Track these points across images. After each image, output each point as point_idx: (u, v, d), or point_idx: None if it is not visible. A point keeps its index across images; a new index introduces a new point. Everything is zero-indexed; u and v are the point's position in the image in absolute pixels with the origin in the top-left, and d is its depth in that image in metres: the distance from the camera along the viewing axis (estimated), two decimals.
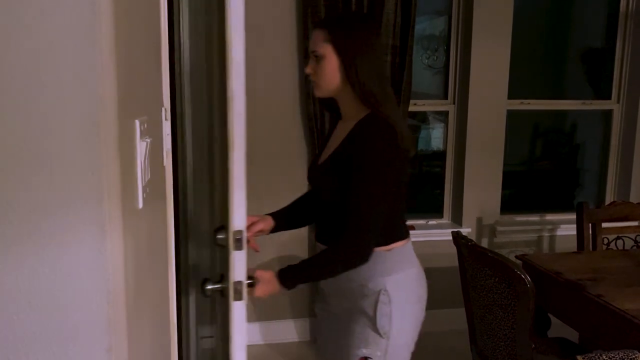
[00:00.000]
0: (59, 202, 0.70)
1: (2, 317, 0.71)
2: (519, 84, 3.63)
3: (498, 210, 3.65)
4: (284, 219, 1.84)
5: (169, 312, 1.31)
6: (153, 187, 1.04)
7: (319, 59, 1.60)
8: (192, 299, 2.43)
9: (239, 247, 1.31)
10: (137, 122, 0.87)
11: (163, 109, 1.24)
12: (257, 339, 3.33)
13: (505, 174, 3.64)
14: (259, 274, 1.53)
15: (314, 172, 1.76)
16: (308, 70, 1.65)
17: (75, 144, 0.70)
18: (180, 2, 2.13)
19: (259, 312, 3.33)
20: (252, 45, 3.07)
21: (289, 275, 1.56)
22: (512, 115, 3.61)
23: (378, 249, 1.59)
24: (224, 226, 1.40)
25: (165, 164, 1.31)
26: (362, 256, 1.54)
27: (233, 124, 1.26)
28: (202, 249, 2.31)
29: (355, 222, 1.52)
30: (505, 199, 3.70)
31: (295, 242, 3.26)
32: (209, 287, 1.44)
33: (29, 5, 0.66)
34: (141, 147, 0.89)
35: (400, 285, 1.64)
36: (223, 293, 1.41)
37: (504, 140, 3.58)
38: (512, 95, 3.56)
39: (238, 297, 1.32)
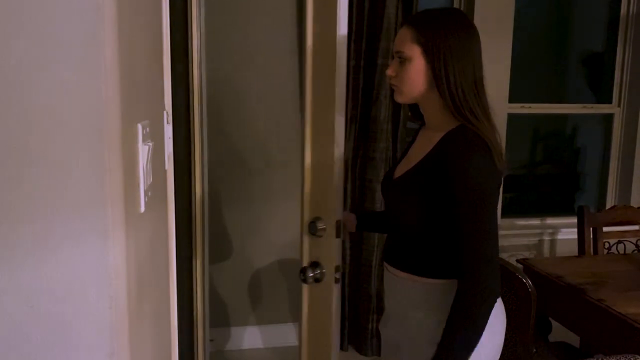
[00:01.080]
0: (61, 206, 0.70)
1: (4, 322, 0.71)
2: (520, 88, 3.63)
3: (499, 214, 3.65)
4: (368, 220, 1.82)
5: (170, 317, 1.30)
6: (155, 191, 1.04)
7: (403, 61, 1.42)
8: (206, 301, 2.44)
9: (338, 235, 1.58)
10: (139, 126, 0.87)
11: (165, 113, 1.24)
12: (258, 343, 3.33)
13: (506, 178, 3.62)
14: None
15: (389, 186, 1.56)
16: (390, 72, 1.47)
17: (78, 148, 0.70)
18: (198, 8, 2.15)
19: (259, 316, 3.33)
20: (253, 47, 3.07)
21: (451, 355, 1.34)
22: (512, 119, 3.61)
23: (444, 281, 1.43)
24: (318, 218, 1.63)
25: (167, 167, 1.31)
26: (491, 290, 1.34)
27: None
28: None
29: (472, 263, 1.32)
30: (506, 202, 3.69)
31: (294, 246, 3.25)
32: (310, 274, 1.61)
33: (33, 10, 0.66)
34: (143, 151, 0.89)
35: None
36: (318, 279, 1.62)
37: (505, 144, 3.58)
38: (513, 99, 3.56)
39: (337, 280, 1.56)
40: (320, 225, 1.61)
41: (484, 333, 1.37)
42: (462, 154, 1.34)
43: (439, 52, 1.38)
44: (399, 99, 1.49)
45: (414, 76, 1.42)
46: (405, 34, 1.43)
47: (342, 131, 1.59)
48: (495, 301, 1.39)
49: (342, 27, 1.55)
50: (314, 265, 1.64)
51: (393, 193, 1.53)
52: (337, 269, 1.58)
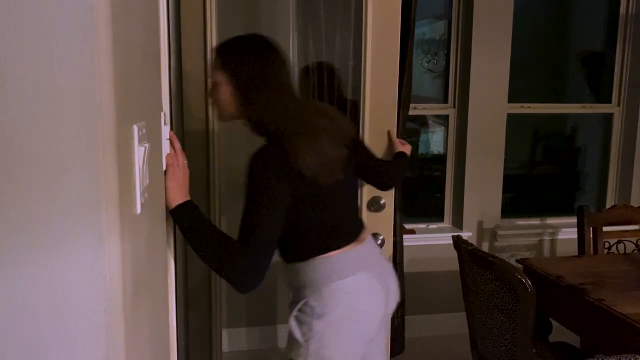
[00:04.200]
0: (56, 208, 0.69)
1: None
2: (519, 88, 3.63)
3: (499, 214, 3.65)
4: None
5: (168, 319, 1.30)
6: (152, 193, 1.03)
7: (215, 85, 1.58)
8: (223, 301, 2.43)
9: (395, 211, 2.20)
10: (135, 128, 0.87)
11: (162, 114, 1.24)
12: (257, 345, 3.32)
13: (506, 178, 3.63)
14: (176, 171, 1.41)
15: None
16: (209, 94, 1.64)
17: (73, 149, 0.69)
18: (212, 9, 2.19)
19: (257, 317, 3.33)
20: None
21: (181, 212, 1.42)
22: (512, 119, 3.61)
23: (299, 263, 1.62)
24: (377, 196, 2.13)
25: (164, 169, 1.30)
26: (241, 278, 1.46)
27: None
28: None
29: (245, 241, 1.45)
30: (506, 202, 3.69)
31: None
32: (379, 242, 2.11)
33: (26, 12, 0.66)
34: (139, 153, 0.89)
35: (327, 296, 1.59)
36: (380, 245, 2.12)
37: (505, 143, 3.58)
38: (512, 99, 3.56)
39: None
40: (381, 202, 2.12)
41: (339, 309, 1.57)
42: (250, 166, 1.51)
43: (240, 78, 1.54)
44: (219, 118, 1.69)
45: (223, 100, 1.58)
46: (214, 61, 1.60)
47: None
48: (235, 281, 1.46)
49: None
50: (374, 234, 2.10)
51: None
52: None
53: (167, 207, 1.39)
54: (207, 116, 2.41)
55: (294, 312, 1.64)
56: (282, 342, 3.33)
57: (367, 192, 2.12)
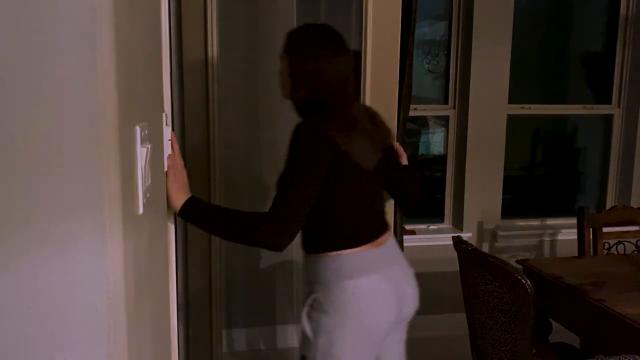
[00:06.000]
0: (59, 208, 0.70)
1: (2, 323, 0.71)
2: (520, 89, 3.64)
3: (499, 214, 3.65)
4: None
5: (169, 319, 1.30)
6: (154, 193, 1.04)
7: (281, 65, 1.69)
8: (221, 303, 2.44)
9: None
10: (137, 128, 0.88)
11: (164, 115, 1.24)
12: (262, 345, 3.33)
13: (506, 179, 3.64)
14: (175, 172, 1.43)
15: None
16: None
17: (76, 150, 0.70)
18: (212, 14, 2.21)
19: (257, 318, 3.33)
20: (254, 46, 3.07)
21: (191, 208, 1.48)
22: (512, 119, 3.61)
23: (315, 255, 1.65)
24: None
25: (166, 169, 1.31)
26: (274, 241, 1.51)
27: None
28: None
29: (277, 207, 1.51)
30: (506, 203, 3.70)
31: (296, 247, 3.25)
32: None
33: (29, 13, 0.66)
34: (141, 153, 0.90)
35: (337, 295, 1.61)
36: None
37: (505, 144, 3.58)
38: (512, 99, 3.56)
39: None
40: None
41: (346, 309, 1.58)
42: (292, 136, 1.55)
43: (295, 61, 1.64)
44: (283, 96, 1.75)
45: (283, 78, 1.69)
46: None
47: None
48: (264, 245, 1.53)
49: None
50: None
51: None
52: None
53: (172, 209, 1.43)
54: (207, 117, 2.41)
55: (306, 308, 1.68)
56: (281, 343, 3.34)
57: None
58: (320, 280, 1.64)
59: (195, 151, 2.41)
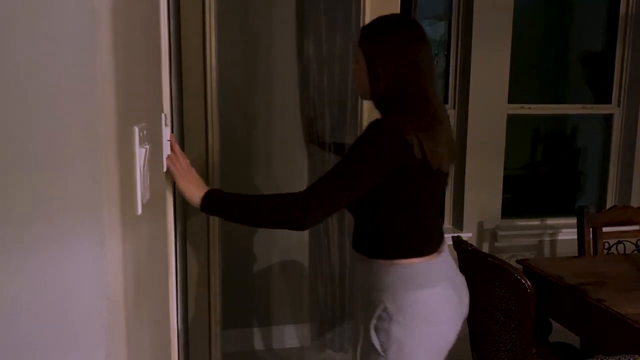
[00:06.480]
0: (58, 209, 0.70)
1: (2, 324, 0.71)
2: (519, 89, 3.64)
3: (499, 214, 3.65)
4: None
5: (169, 319, 1.30)
6: (153, 193, 1.04)
7: (355, 63, 1.62)
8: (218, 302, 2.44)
9: None
10: (136, 129, 0.88)
11: (163, 115, 1.24)
12: (259, 345, 3.33)
13: (506, 179, 3.64)
14: (179, 166, 1.42)
15: None
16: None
17: (74, 151, 0.70)
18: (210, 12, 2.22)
19: (259, 318, 3.33)
20: (253, 48, 3.07)
21: (212, 201, 1.46)
22: (512, 119, 3.61)
23: (382, 261, 1.56)
24: None
25: (165, 169, 1.31)
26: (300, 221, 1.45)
27: None
28: None
29: (316, 187, 1.46)
30: (506, 203, 3.70)
31: (297, 248, 3.26)
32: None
33: (29, 14, 0.67)
34: (140, 154, 0.90)
35: (408, 304, 1.54)
36: None
37: (505, 144, 3.58)
38: (512, 99, 3.56)
39: None
40: None
41: (421, 318, 1.53)
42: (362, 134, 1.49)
43: (372, 55, 1.55)
44: (362, 97, 1.69)
45: (358, 75, 1.61)
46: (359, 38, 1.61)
47: None
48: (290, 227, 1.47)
49: None
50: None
51: None
52: None
53: (194, 206, 1.44)
54: (206, 118, 2.41)
55: (373, 321, 1.57)
56: (278, 343, 3.34)
57: None
58: (388, 288, 1.55)
59: (194, 152, 2.41)
